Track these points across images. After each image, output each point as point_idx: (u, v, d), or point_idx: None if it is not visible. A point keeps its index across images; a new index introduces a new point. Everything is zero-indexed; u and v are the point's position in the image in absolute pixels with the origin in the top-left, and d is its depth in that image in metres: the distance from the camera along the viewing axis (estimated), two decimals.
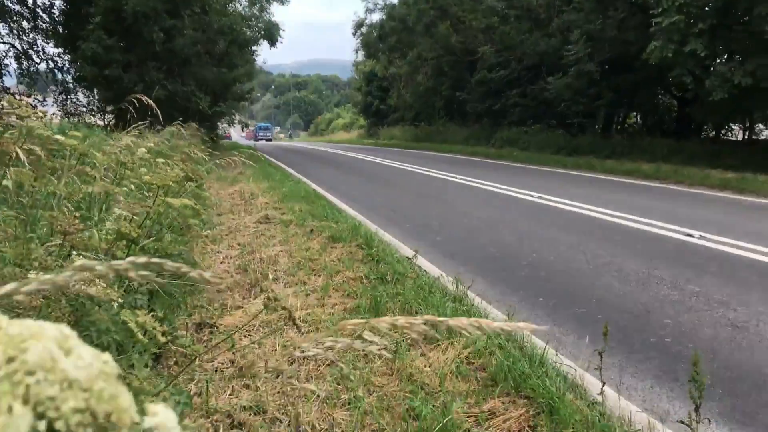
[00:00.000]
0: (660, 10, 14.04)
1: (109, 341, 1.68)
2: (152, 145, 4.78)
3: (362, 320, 0.63)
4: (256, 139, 62.74)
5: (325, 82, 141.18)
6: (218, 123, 25.60)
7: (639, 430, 2.46)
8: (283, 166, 16.88)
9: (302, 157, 23.37)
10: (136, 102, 4.31)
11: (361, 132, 54.32)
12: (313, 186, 11.21)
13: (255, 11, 24.06)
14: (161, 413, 0.44)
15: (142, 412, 0.43)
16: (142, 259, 0.62)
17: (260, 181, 11.06)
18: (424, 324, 0.62)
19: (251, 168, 12.90)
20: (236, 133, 44.54)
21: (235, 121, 27.18)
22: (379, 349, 0.60)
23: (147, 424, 0.43)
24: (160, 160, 4.40)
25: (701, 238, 6.50)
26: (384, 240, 6.09)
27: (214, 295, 4.21)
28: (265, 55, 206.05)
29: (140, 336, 1.44)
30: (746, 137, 18.91)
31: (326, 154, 26.31)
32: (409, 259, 5.19)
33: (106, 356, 0.44)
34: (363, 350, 0.59)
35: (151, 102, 3.92)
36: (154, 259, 0.63)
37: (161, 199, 2.47)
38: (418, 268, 5.00)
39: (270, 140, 61.47)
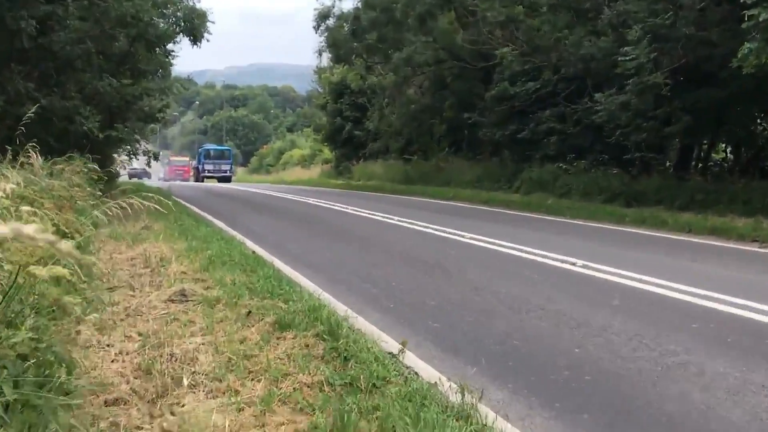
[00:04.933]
0: None
1: None
2: (14, 186, 4.80)
3: None
4: (199, 178, 59.83)
5: (274, 96, 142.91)
6: (114, 154, 25.61)
7: None
8: (210, 217, 16.88)
9: (237, 204, 23.44)
10: None
11: (326, 168, 54.66)
12: (253, 246, 11.20)
13: None
14: None
15: None
16: None
17: (175, 240, 11.02)
18: None
19: (162, 220, 12.87)
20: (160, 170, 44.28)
21: (139, 152, 27.20)
22: None
23: None
24: (26, 208, 4.41)
25: None
26: (356, 327, 6.08)
27: (99, 410, 4.15)
28: (186, 58, 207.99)
29: None
30: None
31: (273, 200, 26.39)
32: (394, 355, 5.18)
33: None
34: None
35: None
36: None
37: (18, 266, 2.47)
38: (407, 368, 4.99)
39: (229, 180, 58.74)
